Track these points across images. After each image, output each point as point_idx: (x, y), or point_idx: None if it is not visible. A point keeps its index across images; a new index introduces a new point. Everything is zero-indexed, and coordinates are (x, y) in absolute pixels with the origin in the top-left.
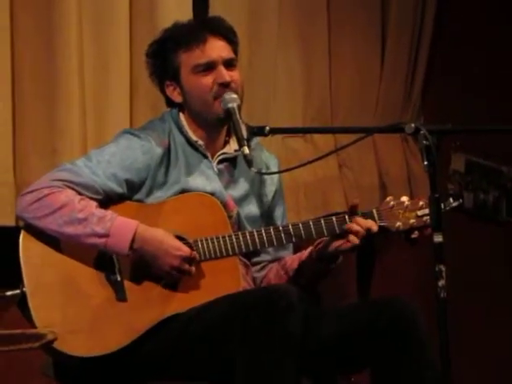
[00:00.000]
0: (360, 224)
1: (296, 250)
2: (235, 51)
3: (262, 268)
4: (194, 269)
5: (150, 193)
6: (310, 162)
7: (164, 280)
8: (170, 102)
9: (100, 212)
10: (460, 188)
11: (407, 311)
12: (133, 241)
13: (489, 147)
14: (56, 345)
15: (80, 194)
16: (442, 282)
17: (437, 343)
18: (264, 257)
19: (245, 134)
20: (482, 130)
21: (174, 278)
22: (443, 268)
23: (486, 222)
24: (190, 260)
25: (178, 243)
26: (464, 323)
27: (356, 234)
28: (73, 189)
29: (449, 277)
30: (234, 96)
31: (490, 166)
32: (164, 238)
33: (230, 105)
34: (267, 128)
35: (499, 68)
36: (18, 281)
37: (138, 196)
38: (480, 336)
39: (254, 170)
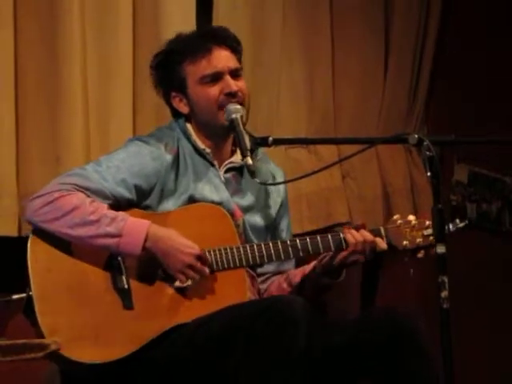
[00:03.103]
0: (355, 236)
1: (298, 263)
2: (240, 60)
3: (265, 280)
4: (206, 270)
5: (160, 200)
6: (313, 173)
7: (175, 282)
8: (175, 113)
9: (112, 213)
10: (463, 199)
11: (408, 322)
12: (145, 240)
13: (492, 158)
14: (62, 351)
15: (89, 198)
16: (444, 293)
17: (440, 353)
18: (267, 268)
19: (248, 144)
20: (485, 141)
21: (187, 276)
22: (446, 279)
23: (489, 233)
24: (202, 259)
25: (190, 242)
26: (467, 333)
27: (356, 245)
28: (82, 193)
29: (452, 287)
30: (238, 107)
31: (493, 176)
32: (176, 237)
33: (233, 115)
34: (270, 139)
35: (502, 78)
36: (21, 290)
37: (147, 202)
38: (483, 345)
39: (257, 180)
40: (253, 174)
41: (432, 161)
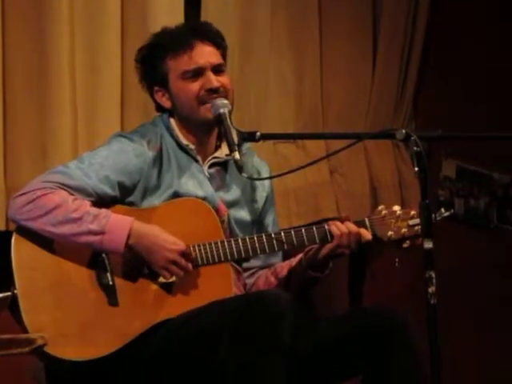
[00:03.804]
0: (340, 228)
1: (286, 257)
2: (224, 56)
3: (252, 274)
4: (190, 266)
5: (144, 196)
6: (301, 168)
7: (160, 278)
8: (159, 107)
9: (94, 210)
10: (451, 194)
11: (397, 319)
12: (128, 236)
13: (480, 153)
14: (46, 349)
15: (72, 195)
16: (432, 289)
17: (427, 349)
18: (254, 263)
19: (236, 139)
20: (473, 137)
21: (171, 273)
22: (433, 274)
23: (477, 228)
24: (186, 255)
25: (174, 238)
26: (455, 329)
27: (341, 237)
28: (65, 190)
29: (439, 283)
30: (225, 101)
31: (481, 172)
32: (160, 233)
33: (221, 110)
34: (258, 134)
35: (491, 74)
36: (7, 284)
37: (131, 199)
38: (471, 341)
39: (244, 175)
40: (241, 169)
41: (419, 156)
